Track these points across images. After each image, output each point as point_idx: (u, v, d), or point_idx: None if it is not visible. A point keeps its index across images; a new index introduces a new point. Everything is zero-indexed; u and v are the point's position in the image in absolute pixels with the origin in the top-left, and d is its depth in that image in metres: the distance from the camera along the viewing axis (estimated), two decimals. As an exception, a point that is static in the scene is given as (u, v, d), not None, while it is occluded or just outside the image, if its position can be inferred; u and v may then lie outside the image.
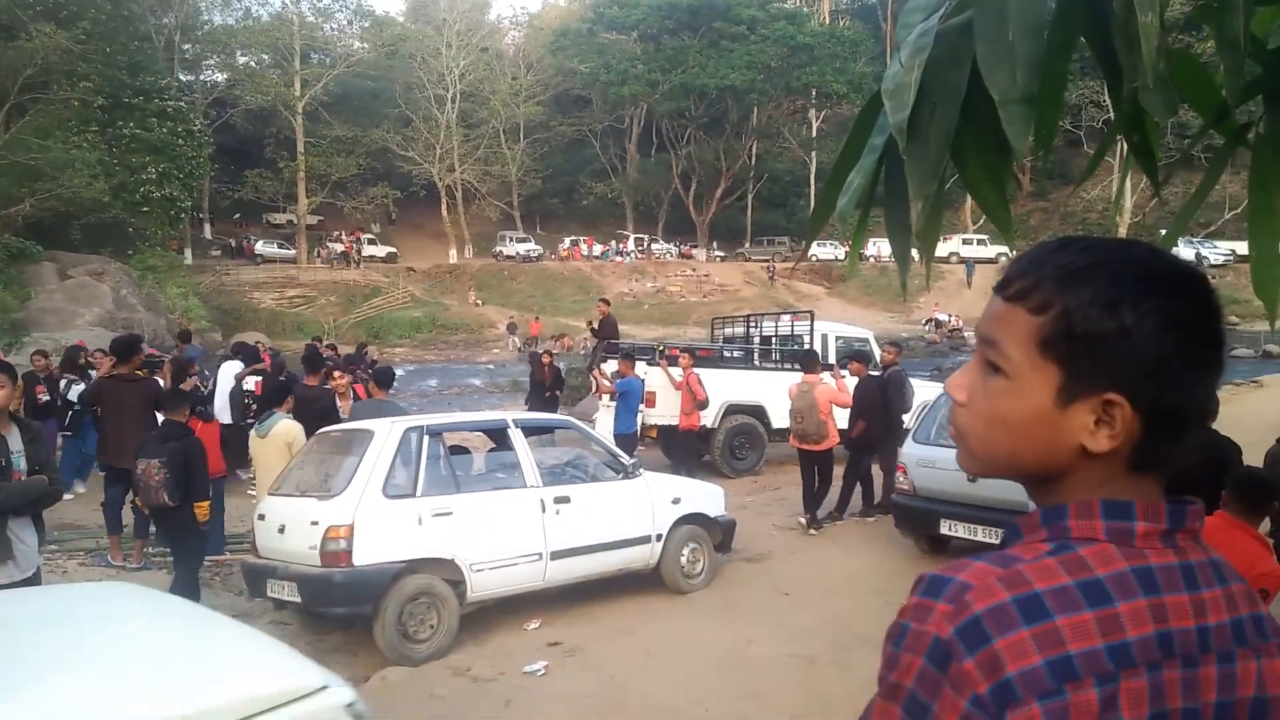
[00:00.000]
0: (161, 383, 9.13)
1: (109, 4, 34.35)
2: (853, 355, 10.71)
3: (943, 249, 46.34)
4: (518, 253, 49.65)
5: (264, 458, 7.34)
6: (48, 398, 10.22)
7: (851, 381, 9.83)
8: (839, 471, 9.34)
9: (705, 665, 5.67)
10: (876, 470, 9.53)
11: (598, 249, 51.92)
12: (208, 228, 47.64)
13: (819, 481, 9.11)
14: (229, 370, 11.11)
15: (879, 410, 9.28)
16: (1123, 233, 34.84)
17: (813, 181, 52.09)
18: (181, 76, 44.66)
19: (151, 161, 34.26)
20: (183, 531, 6.42)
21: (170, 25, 43.42)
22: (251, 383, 10.55)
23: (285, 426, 7.32)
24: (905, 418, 9.55)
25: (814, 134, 52.83)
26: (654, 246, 52.67)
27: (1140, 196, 37.14)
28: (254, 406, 10.00)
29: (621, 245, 52.13)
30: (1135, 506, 0.87)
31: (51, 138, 28.50)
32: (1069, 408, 0.88)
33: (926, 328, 38.76)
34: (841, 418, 9.41)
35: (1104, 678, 0.80)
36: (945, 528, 7.42)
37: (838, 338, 13.87)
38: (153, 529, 7.61)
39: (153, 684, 2.54)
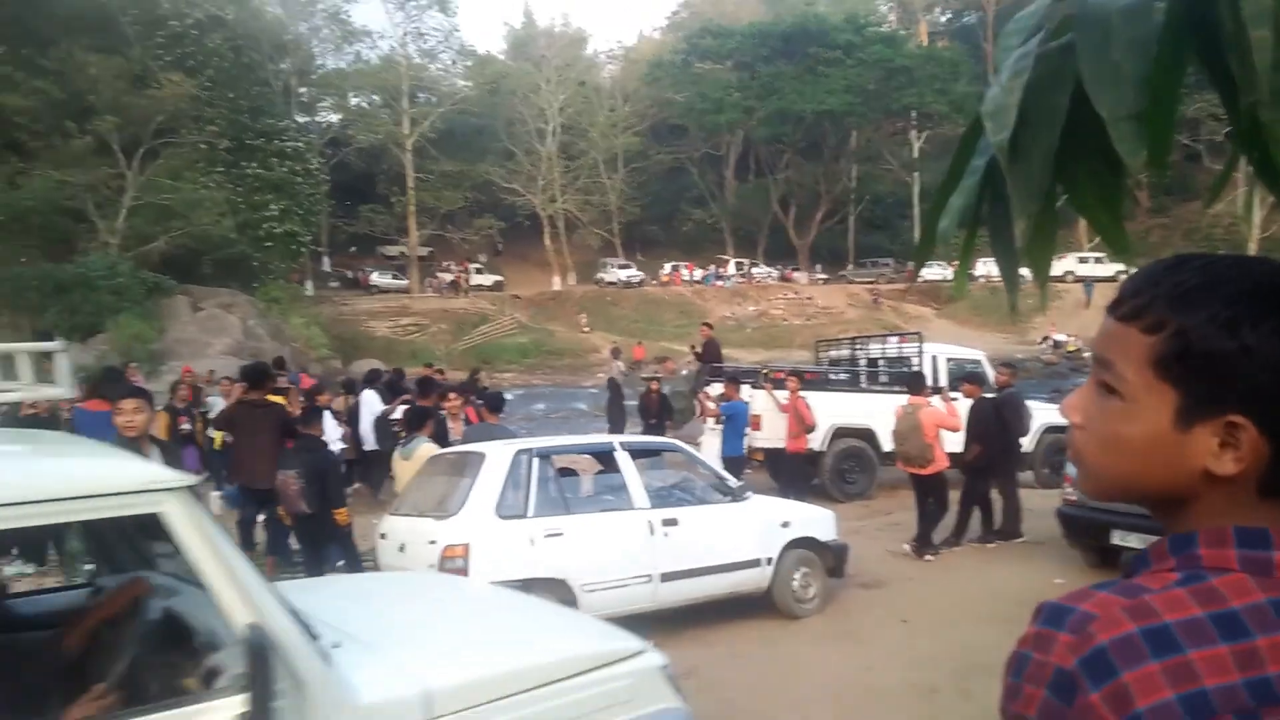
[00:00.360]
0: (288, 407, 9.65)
1: (231, 53, 36.61)
2: (965, 377, 10.49)
3: (1057, 268, 44.79)
4: (619, 279, 50.25)
5: (407, 478, 7.69)
6: (188, 427, 10.92)
7: (964, 404, 9.62)
8: (953, 496, 9.15)
9: (822, 692, 5.61)
10: (996, 495, 9.29)
11: (698, 274, 52.11)
12: (326, 260, 49.86)
13: (929, 506, 8.95)
14: (369, 398, 11.77)
15: (994, 433, 9.06)
16: (1252, 249, 32.99)
17: (915, 202, 51.16)
18: (299, 118, 47.08)
19: (273, 199, 36.25)
20: (323, 537, 6.81)
21: (287, 70, 45.90)
22: (399, 411, 11.05)
23: (427, 449, 7.64)
24: (1023, 441, 9.29)
25: (916, 155, 51.94)
26: (754, 270, 52.53)
27: (1271, 210, 35.15)
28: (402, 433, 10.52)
29: (722, 269, 52.17)
30: (1271, 535, 0.83)
31: (182, 179, 30.47)
32: (1190, 430, 0.85)
33: (1043, 348, 37.44)
34: (954, 441, 9.23)
35: (1244, 714, 0.76)
36: (1117, 538, 7.32)
37: (948, 359, 13.56)
38: (294, 544, 8.05)
39: (512, 640, 3.16)
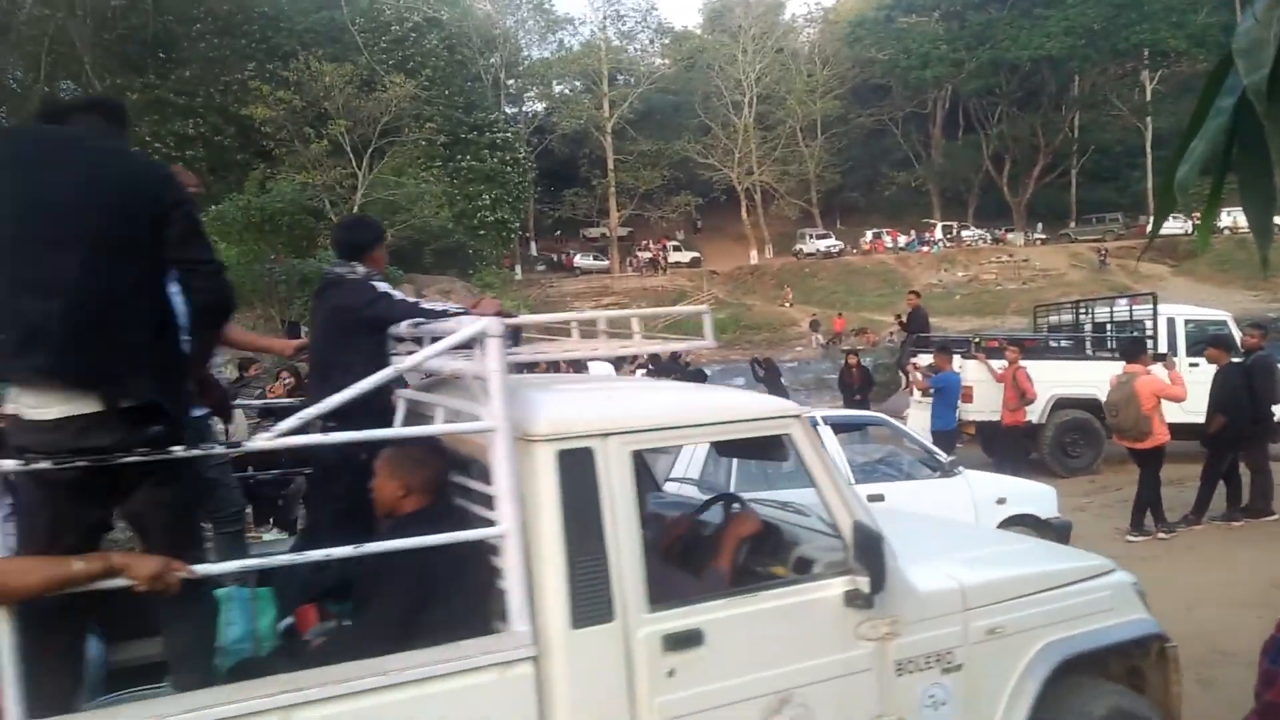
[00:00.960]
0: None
1: (446, 51, 38.87)
2: (1208, 341, 9.51)
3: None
4: (818, 249, 49.29)
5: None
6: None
7: (1203, 371, 8.76)
8: (1186, 473, 8.37)
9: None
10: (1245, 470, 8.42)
11: (901, 240, 50.18)
12: (533, 245, 52.12)
13: (1144, 482, 8.23)
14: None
15: (1243, 402, 8.19)
16: None
17: (1148, 150, 46.72)
18: (507, 110, 49.36)
19: (485, 189, 38.30)
20: None
21: (496, 64, 48.13)
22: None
23: None
24: (1275, 410, 8.35)
25: (1149, 98, 47.26)
26: (964, 234, 49.92)
27: None
28: None
29: (928, 234, 49.97)
30: None
31: (404, 175, 32.75)
32: None
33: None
34: (1177, 412, 8.43)
35: None
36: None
37: (1188, 321, 12.37)
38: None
39: (1015, 556, 3.76)
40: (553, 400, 2.86)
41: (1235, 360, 8.70)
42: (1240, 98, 1.67)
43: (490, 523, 2.53)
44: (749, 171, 48.45)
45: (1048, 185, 50.66)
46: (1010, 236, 49.34)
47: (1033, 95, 48.22)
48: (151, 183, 2.38)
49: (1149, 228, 41.66)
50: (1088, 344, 12.77)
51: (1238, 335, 10.62)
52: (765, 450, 3.10)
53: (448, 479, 2.82)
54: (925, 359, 11.59)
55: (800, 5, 71.86)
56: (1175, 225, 41.51)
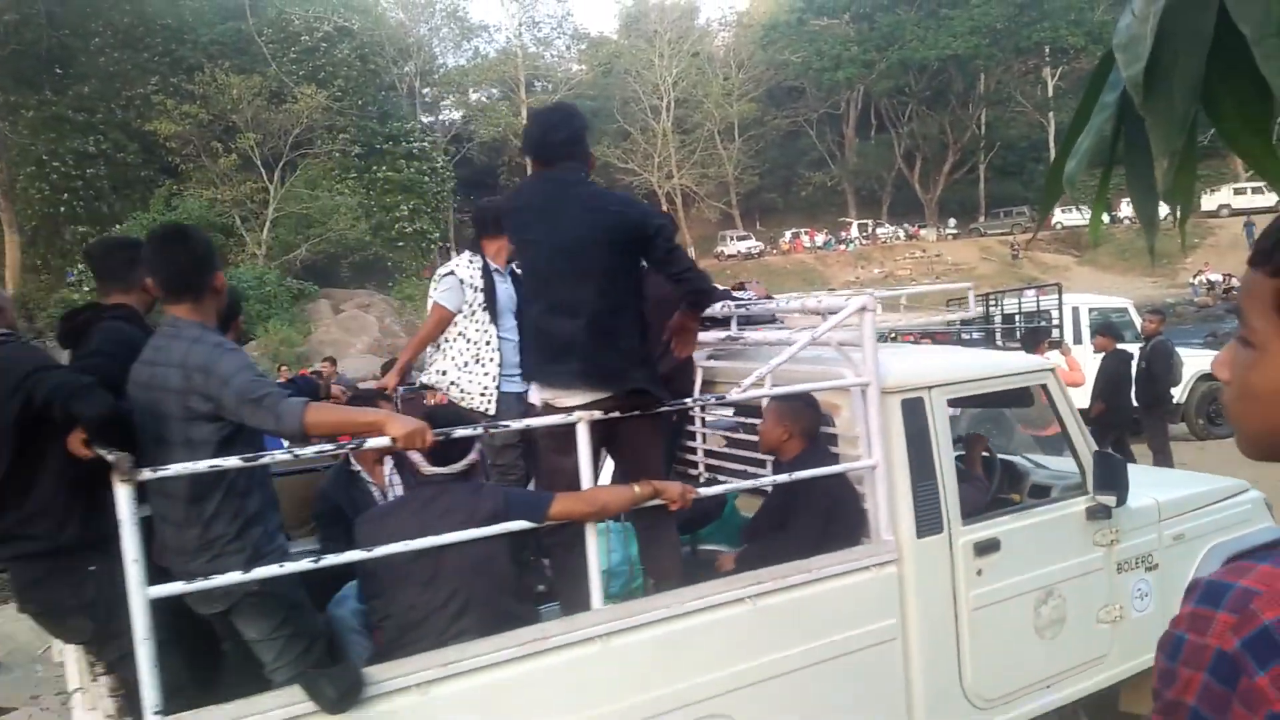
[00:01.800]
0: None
1: (358, 61, 38.17)
2: (1098, 329, 9.86)
3: (1210, 201, 41.54)
4: (739, 250, 49.81)
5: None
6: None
7: (1091, 357, 9.08)
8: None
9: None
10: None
11: (820, 239, 51.06)
12: (453, 255, 51.52)
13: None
14: None
15: (1125, 388, 8.51)
16: None
17: (1052, 145, 48.44)
18: (423, 119, 48.68)
19: (403, 200, 37.73)
20: None
21: (411, 72, 47.46)
22: None
23: None
24: (1174, 391, 8.68)
25: (1051, 94, 49.07)
26: (879, 231, 51.06)
27: None
28: None
29: (844, 232, 50.96)
30: None
31: (319, 188, 32.09)
32: None
33: (1195, 289, 34.89)
34: (1078, 396, 8.73)
35: None
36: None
37: (1091, 309, 12.85)
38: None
39: (1179, 481, 4.69)
40: (892, 362, 3.47)
41: (1120, 348, 9.02)
42: (1123, 92, 1.71)
43: (843, 460, 3.39)
44: (669, 175, 48.75)
45: (958, 181, 52.18)
46: (923, 233, 50.63)
47: (941, 94, 49.60)
48: (634, 219, 3.00)
49: (1039, 218, 43.15)
50: (997, 335, 13.13)
51: (1138, 321, 11.06)
52: (1023, 398, 3.97)
53: (819, 426, 3.50)
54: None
55: (715, 9, 72.66)
56: (1078, 217, 43.22)
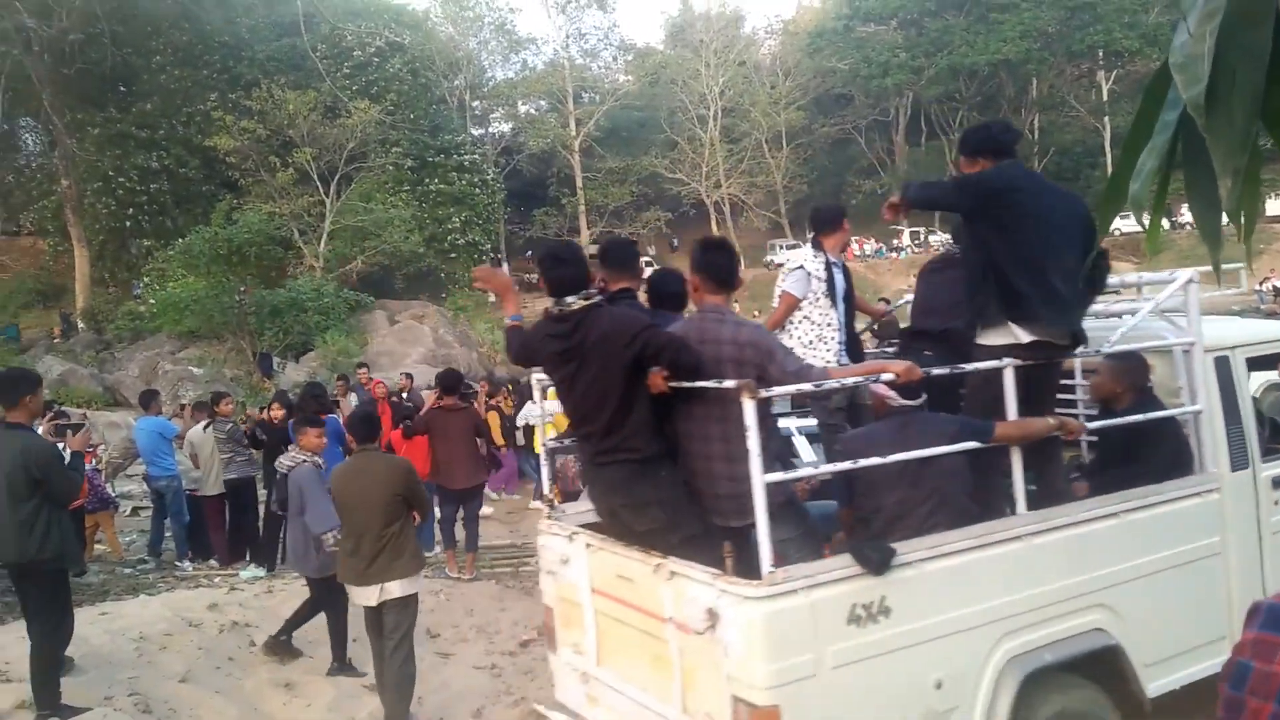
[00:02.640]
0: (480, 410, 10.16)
1: (409, 75, 38.83)
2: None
3: (1274, 206, 40.51)
4: (789, 259, 49.53)
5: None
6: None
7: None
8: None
9: None
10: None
11: (870, 247, 50.60)
12: (505, 266, 51.95)
13: None
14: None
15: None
16: None
17: (1108, 149, 47.48)
18: (474, 131, 49.31)
19: (455, 212, 38.26)
20: None
21: (461, 86, 48.12)
22: None
23: None
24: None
25: (1105, 98, 48.12)
26: (931, 239, 50.43)
27: None
28: None
29: (896, 240, 50.43)
30: None
31: (373, 200, 32.63)
32: None
33: (1260, 296, 33.85)
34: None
35: None
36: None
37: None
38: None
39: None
40: (1205, 328, 4.18)
41: None
42: (1182, 110, 1.71)
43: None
44: (717, 185, 48.73)
45: (1011, 187, 51.28)
46: (976, 239, 49.86)
47: (992, 99, 48.92)
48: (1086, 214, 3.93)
49: (1099, 234, 42.19)
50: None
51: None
52: None
53: (1148, 380, 4.21)
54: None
55: (760, 18, 72.87)
56: (1135, 224, 42.04)
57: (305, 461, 6.11)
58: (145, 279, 29.59)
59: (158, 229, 32.09)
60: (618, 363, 3.40)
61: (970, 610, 3.36)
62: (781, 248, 50.57)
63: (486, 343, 32.71)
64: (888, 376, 3.42)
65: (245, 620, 7.27)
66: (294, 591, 7.95)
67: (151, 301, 26.88)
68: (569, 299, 3.51)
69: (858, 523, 3.81)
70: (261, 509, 9.44)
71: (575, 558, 3.96)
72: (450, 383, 9.17)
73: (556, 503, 4.42)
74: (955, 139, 49.06)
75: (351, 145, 32.96)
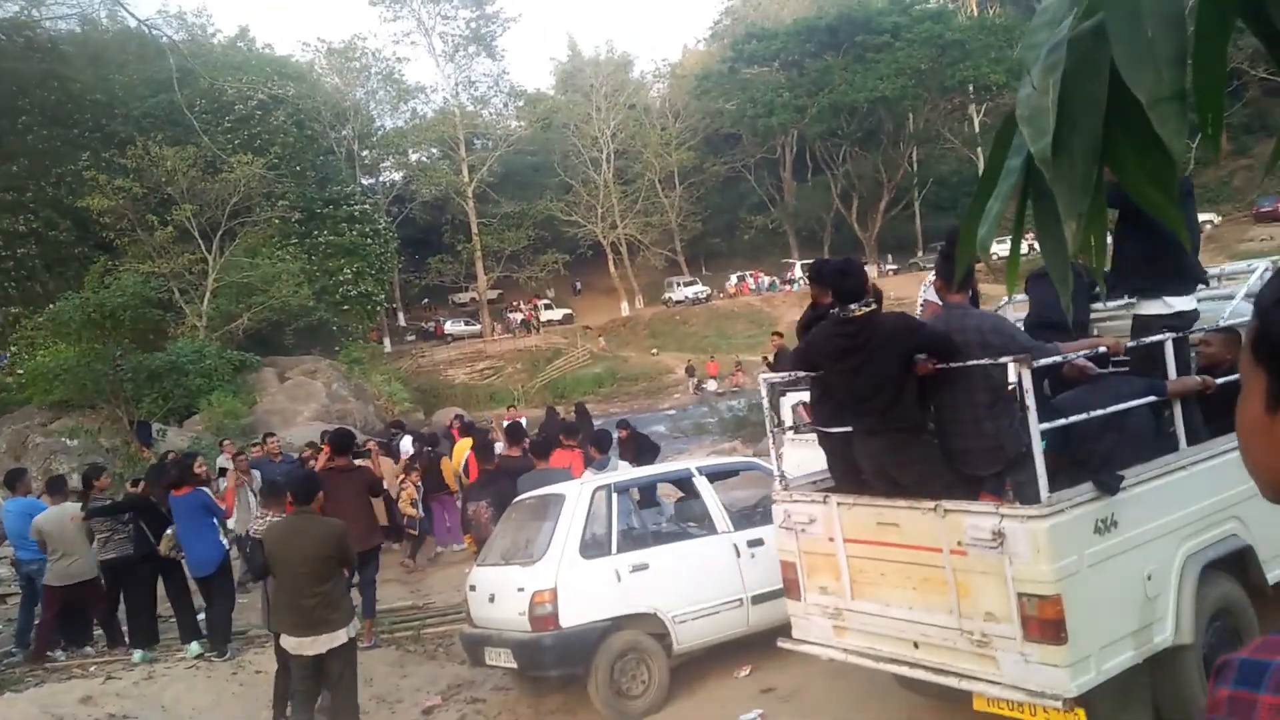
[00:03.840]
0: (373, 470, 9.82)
1: (295, 127, 38.02)
2: None
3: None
4: (686, 296, 50.25)
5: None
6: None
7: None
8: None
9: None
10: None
11: (765, 281, 51.71)
12: (401, 316, 51.13)
13: None
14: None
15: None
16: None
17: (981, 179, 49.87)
18: (364, 181, 48.60)
19: (346, 263, 37.42)
20: None
21: (349, 136, 47.44)
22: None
23: None
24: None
25: (977, 129, 50.69)
26: (823, 270, 51.85)
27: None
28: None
29: (788, 273, 51.73)
30: None
31: (259, 255, 31.62)
32: (1276, 415, 0.80)
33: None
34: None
35: None
36: None
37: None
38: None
39: None
40: None
41: None
42: (1028, 155, 1.74)
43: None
44: (613, 226, 49.17)
45: (894, 218, 53.34)
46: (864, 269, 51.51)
47: (873, 134, 50.91)
48: None
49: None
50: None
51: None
52: None
53: None
54: (795, 398, 11.81)
55: (648, 62, 74.37)
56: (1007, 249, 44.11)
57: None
58: (13, 348, 27.85)
59: (26, 295, 30.34)
60: (896, 355, 4.33)
61: (1163, 521, 4.36)
62: (679, 284, 51.25)
63: (383, 394, 31.97)
64: (1100, 351, 4.54)
65: (123, 712, 6.78)
66: (176, 675, 7.47)
67: (20, 371, 25.29)
68: (852, 306, 4.45)
69: (1074, 464, 4.54)
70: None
71: (824, 517, 4.86)
72: (342, 442, 8.86)
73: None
74: (840, 173, 50.85)
75: (235, 200, 31.95)
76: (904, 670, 4.61)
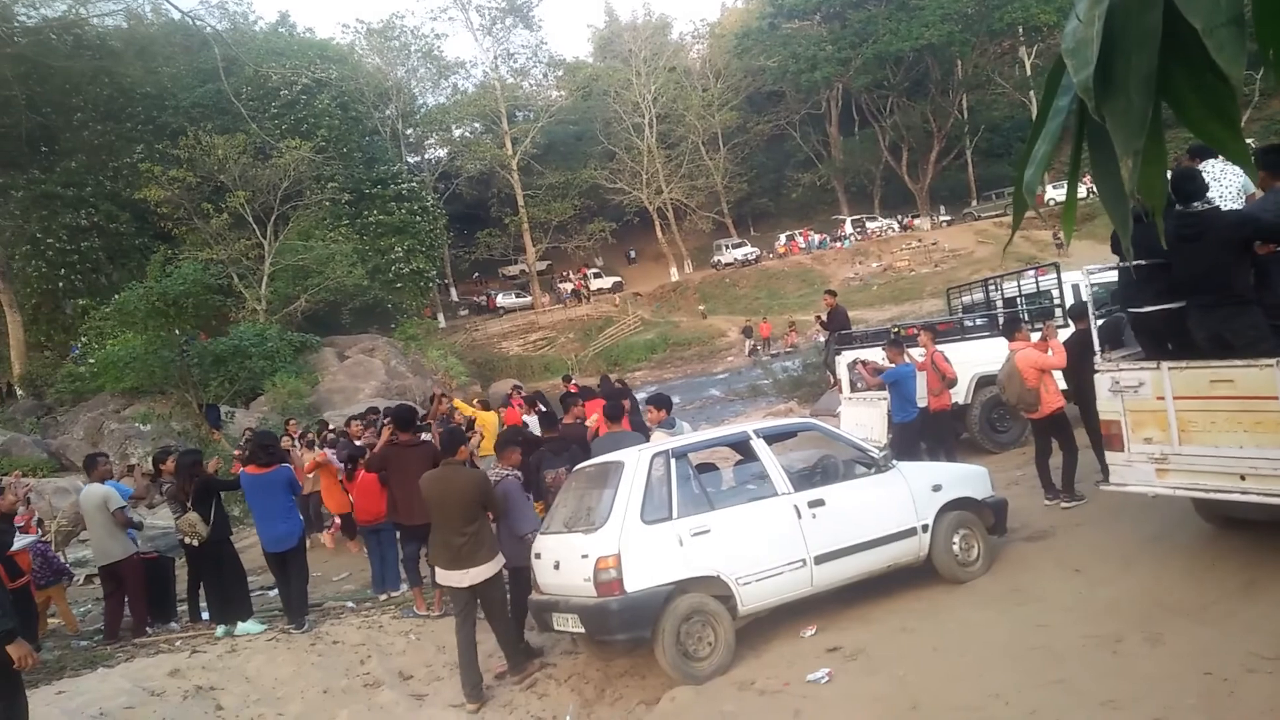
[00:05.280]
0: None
1: (339, 110, 38.40)
2: (1074, 308, 8.90)
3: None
4: (735, 259, 49.89)
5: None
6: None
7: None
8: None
9: (998, 656, 5.38)
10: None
11: (815, 239, 51.10)
12: (453, 291, 51.65)
13: (1057, 450, 8.41)
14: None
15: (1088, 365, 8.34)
16: None
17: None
18: (409, 159, 48.95)
19: (397, 241, 37.86)
20: None
21: (392, 115, 47.78)
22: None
23: None
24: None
25: (1029, 72, 49.12)
26: (872, 225, 51.06)
27: None
28: None
29: (839, 230, 51.01)
30: None
31: (312, 238, 32.15)
32: None
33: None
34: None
35: None
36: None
37: (1094, 285, 12.59)
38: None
39: None
40: None
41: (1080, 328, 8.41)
42: (1078, 96, 1.69)
43: None
44: (658, 191, 48.90)
45: (946, 168, 52.20)
46: (917, 222, 50.62)
47: (920, 84, 49.72)
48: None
49: (1013, 227, 42.83)
50: (1000, 320, 13.03)
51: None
52: None
53: None
54: (848, 356, 11.72)
55: (686, 23, 73.20)
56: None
57: (509, 475, 7.11)
58: (83, 339, 28.82)
59: (92, 287, 31.30)
60: (1231, 242, 5.30)
61: None
62: (727, 247, 50.87)
63: (440, 369, 32.41)
64: None
65: (210, 684, 7.05)
66: (258, 648, 7.75)
67: (91, 361, 26.18)
68: (1195, 204, 5.43)
69: None
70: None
71: (1153, 380, 5.73)
72: (404, 418, 9.01)
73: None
74: (888, 125, 49.86)
75: (285, 184, 32.45)
76: (1234, 497, 5.40)
